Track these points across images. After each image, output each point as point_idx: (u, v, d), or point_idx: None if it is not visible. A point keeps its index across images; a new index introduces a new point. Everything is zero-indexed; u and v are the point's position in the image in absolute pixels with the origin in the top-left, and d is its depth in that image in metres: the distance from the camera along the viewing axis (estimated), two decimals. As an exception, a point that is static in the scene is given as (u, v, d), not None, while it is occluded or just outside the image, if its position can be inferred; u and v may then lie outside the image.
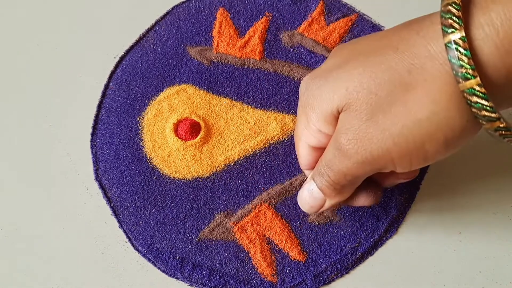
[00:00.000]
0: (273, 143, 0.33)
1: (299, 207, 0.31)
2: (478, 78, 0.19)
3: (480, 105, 0.19)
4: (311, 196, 0.26)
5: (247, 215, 0.31)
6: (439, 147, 0.21)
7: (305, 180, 0.32)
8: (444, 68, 0.20)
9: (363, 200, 0.27)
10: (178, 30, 0.36)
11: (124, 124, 0.34)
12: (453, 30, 0.19)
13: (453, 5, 0.19)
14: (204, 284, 0.30)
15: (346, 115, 0.22)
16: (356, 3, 0.36)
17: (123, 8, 0.37)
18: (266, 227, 0.31)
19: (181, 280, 0.30)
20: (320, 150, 0.25)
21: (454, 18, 0.19)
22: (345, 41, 0.35)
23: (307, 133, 0.24)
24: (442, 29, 0.20)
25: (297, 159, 0.32)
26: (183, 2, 0.37)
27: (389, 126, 0.21)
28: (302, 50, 0.35)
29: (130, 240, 0.31)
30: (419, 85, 0.20)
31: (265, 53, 0.35)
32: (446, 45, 0.19)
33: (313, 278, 0.30)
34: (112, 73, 0.35)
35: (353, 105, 0.21)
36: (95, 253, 0.31)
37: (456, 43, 0.19)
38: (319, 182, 0.25)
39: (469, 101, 0.19)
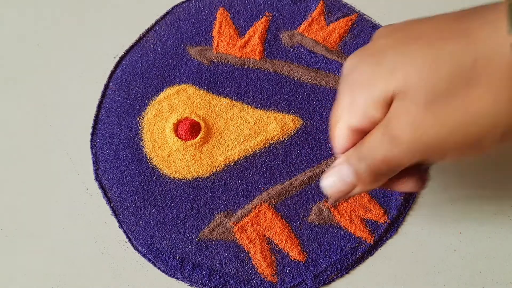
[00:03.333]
0: (273, 143, 0.33)
1: (299, 207, 0.31)
2: None
3: None
4: (341, 180, 0.25)
5: (247, 215, 0.31)
6: (494, 141, 0.21)
7: (305, 179, 0.32)
8: (510, 64, 0.19)
9: (410, 186, 0.26)
10: (178, 30, 0.36)
11: (124, 124, 0.34)
12: None
13: None
14: (204, 284, 0.30)
15: (401, 102, 0.21)
16: (356, 3, 0.36)
17: (123, 8, 0.37)
18: (266, 227, 0.31)
19: (181, 280, 0.30)
20: (359, 134, 0.24)
21: None
22: (345, 41, 0.35)
23: (350, 113, 0.23)
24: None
25: (297, 158, 0.32)
26: (183, 2, 0.37)
27: (447, 118, 0.20)
28: (302, 50, 0.35)
29: (130, 240, 0.31)
30: (483, 80, 0.20)
31: (265, 53, 0.35)
32: None
33: (313, 278, 0.30)
34: (112, 73, 0.35)
35: (410, 92, 0.21)
36: (95, 253, 0.31)
37: None
38: (357, 167, 0.24)
39: None
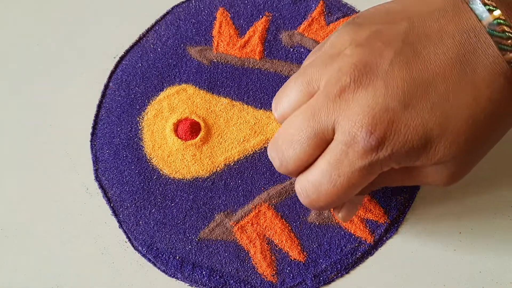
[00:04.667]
0: (273, 143, 0.33)
1: (299, 207, 0.31)
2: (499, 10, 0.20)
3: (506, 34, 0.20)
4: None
5: (247, 215, 0.31)
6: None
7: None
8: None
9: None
10: (178, 30, 0.36)
11: (124, 124, 0.34)
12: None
13: None
14: (204, 284, 0.30)
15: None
16: (356, 3, 0.36)
17: (123, 8, 0.37)
18: (266, 227, 0.31)
19: (181, 280, 0.30)
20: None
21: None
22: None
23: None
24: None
25: (297, 159, 0.32)
26: (183, 2, 0.37)
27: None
28: (302, 50, 0.35)
29: (130, 240, 0.31)
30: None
31: (265, 53, 0.35)
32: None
33: (313, 278, 0.30)
34: (112, 73, 0.35)
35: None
36: (95, 253, 0.31)
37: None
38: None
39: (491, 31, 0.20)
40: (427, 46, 0.21)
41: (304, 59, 0.35)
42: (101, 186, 0.32)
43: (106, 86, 0.35)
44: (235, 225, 0.31)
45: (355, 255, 0.30)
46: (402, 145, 0.21)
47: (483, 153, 0.24)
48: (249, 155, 0.33)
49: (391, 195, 0.31)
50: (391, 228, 0.31)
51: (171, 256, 0.31)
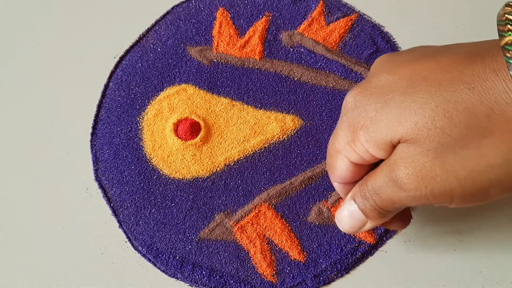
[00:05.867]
0: (273, 143, 0.33)
1: (299, 207, 0.31)
2: None
3: None
4: (351, 217, 0.25)
5: (247, 215, 0.31)
6: (503, 192, 0.21)
7: (305, 179, 0.32)
8: None
9: (397, 225, 0.27)
10: (178, 30, 0.36)
11: (124, 124, 0.34)
12: None
13: None
14: (204, 284, 0.30)
15: (409, 148, 0.21)
16: (356, 3, 0.36)
17: (123, 8, 0.37)
18: (266, 227, 0.31)
19: (181, 280, 0.30)
20: (361, 167, 0.24)
21: None
22: (345, 41, 0.35)
23: (350, 149, 0.24)
24: None
25: (297, 158, 0.32)
26: (183, 2, 0.37)
27: (457, 168, 0.20)
28: (302, 50, 0.35)
29: (130, 240, 0.31)
30: (497, 131, 0.20)
31: (265, 53, 0.35)
32: None
33: (313, 278, 0.30)
34: (112, 73, 0.35)
35: (420, 141, 0.21)
36: (95, 253, 0.31)
37: None
38: (362, 205, 0.24)
39: None
40: None
41: (304, 59, 0.35)
42: (101, 186, 0.32)
43: (106, 86, 0.35)
44: (235, 225, 0.31)
45: (355, 255, 0.30)
46: None
47: None
48: (249, 155, 0.33)
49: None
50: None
51: (171, 256, 0.31)
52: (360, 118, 0.23)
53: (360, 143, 0.23)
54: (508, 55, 0.19)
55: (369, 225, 0.25)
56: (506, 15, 0.20)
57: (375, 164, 0.24)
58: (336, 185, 0.26)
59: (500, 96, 0.20)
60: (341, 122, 0.24)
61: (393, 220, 0.26)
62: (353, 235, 0.31)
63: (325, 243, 0.31)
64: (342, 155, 0.24)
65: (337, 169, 0.25)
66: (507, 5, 0.21)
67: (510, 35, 0.19)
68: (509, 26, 0.20)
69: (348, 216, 0.25)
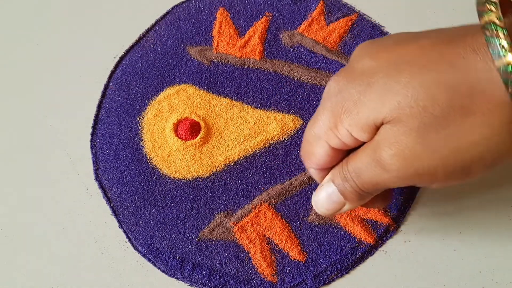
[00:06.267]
0: (273, 143, 0.33)
1: (299, 207, 0.31)
2: None
3: None
4: (329, 199, 0.25)
5: (247, 215, 0.31)
6: (484, 168, 0.21)
7: (305, 179, 0.32)
8: (506, 96, 0.19)
9: (377, 205, 0.27)
10: (178, 30, 0.36)
11: (124, 124, 0.34)
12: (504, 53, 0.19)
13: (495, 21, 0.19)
14: (204, 284, 0.30)
15: (392, 128, 0.21)
16: (356, 3, 0.36)
17: (123, 8, 0.37)
18: (266, 227, 0.31)
19: (181, 280, 0.30)
20: (340, 152, 0.24)
21: (504, 42, 0.19)
22: (345, 41, 0.35)
23: (332, 134, 0.23)
24: (492, 52, 0.19)
25: (297, 158, 0.32)
26: (183, 2, 0.37)
27: (440, 147, 0.21)
28: (302, 50, 0.35)
29: (130, 240, 0.31)
30: (478, 110, 0.20)
31: (265, 53, 0.35)
32: (501, 69, 0.19)
33: (313, 278, 0.30)
34: (112, 73, 0.35)
35: (403, 120, 0.21)
36: (95, 253, 0.31)
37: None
38: (341, 186, 0.24)
39: None
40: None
41: (304, 59, 0.35)
42: (101, 186, 0.32)
43: (106, 86, 0.35)
44: (235, 225, 0.31)
45: (355, 255, 0.30)
46: None
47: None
48: (249, 155, 0.33)
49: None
50: (391, 228, 0.31)
51: (171, 256, 0.31)
52: (344, 102, 0.23)
53: (343, 127, 0.23)
54: (488, 33, 0.20)
55: (347, 207, 0.25)
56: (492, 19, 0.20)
57: (353, 149, 0.24)
58: (312, 171, 0.26)
59: (480, 75, 0.20)
60: (322, 108, 0.24)
61: (373, 200, 0.26)
62: (353, 235, 0.31)
63: (325, 243, 0.31)
64: (322, 140, 0.24)
65: (315, 155, 0.25)
66: None
67: (489, 14, 0.20)
68: (487, 5, 0.20)
69: (326, 197, 0.25)
